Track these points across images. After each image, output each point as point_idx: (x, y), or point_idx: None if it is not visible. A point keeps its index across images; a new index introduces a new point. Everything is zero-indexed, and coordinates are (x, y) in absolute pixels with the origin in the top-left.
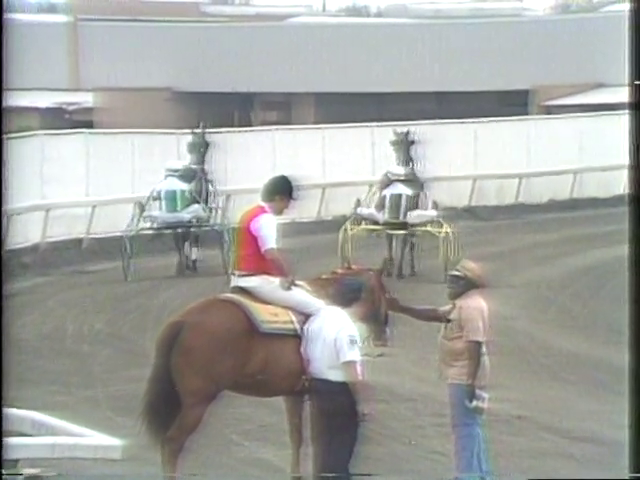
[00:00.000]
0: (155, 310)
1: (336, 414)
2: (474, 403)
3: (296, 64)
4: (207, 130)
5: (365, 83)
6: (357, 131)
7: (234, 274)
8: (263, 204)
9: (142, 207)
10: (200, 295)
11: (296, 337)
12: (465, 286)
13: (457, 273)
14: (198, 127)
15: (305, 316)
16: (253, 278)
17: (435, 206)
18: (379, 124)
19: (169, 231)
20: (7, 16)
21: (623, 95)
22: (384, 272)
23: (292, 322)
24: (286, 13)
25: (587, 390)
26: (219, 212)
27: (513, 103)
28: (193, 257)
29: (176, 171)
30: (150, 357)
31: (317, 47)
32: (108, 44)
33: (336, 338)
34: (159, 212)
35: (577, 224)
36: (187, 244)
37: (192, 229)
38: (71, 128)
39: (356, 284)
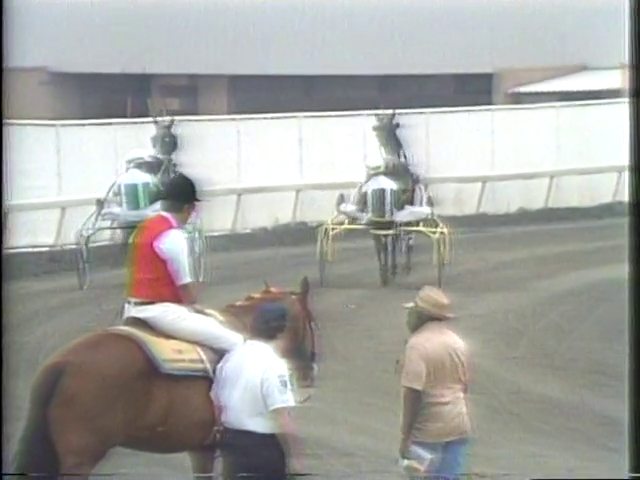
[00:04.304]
0: (30, 348)
1: (258, 472)
2: (405, 462)
3: (204, 40)
4: (93, 121)
5: (290, 64)
6: (281, 123)
7: (128, 302)
8: (167, 215)
9: (101, 204)
10: (88, 327)
11: (206, 379)
12: (419, 319)
13: (410, 305)
14: (159, 114)
15: (217, 353)
16: (152, 307)
17: (430, 202)
18: (308, 114)
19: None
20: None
21: (612, 80)
22: (308, 294)
23: (201, 360)
24: None
25: (565, 443)
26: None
27: (473, 90)
28: None
29: (137, 161)
30: (23, 408)
31: (230, 19)
32: None
33: (263, 380)
34: (120, 209)
35: (553, 240)
36: None
37: None
38: None
39: (279, 311)
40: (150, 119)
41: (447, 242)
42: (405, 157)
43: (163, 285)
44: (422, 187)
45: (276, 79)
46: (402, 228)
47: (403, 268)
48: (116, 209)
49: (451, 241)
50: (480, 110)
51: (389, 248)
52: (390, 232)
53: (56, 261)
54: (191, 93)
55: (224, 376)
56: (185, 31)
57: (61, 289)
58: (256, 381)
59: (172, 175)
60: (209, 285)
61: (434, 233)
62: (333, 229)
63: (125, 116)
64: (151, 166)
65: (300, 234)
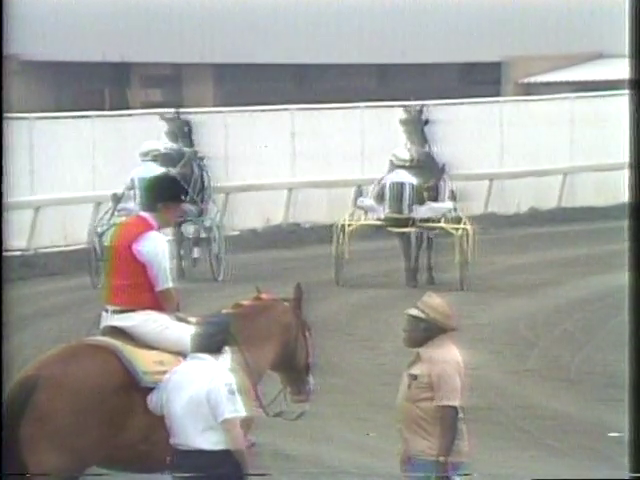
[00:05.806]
0: (1, 361)
1: None
2: None
3: (188, 26)
4: (68, 114)
5: (281, 52)
6: (272, 116)
7: (106, 310)
8: (145, 215)
9: (117, 199)
10: (64, 337)
11: None
12: (429, 331)
13: (416, 313)
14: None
15: None
16: (132, 315)
17: (452, 197)
18: (301, 106)
19: None
20: None
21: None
22: (302, 302)
23: None
24: None
25: (580, 462)
26: (212, 206)
27: (480, 80)
28: (195, 255)
29: (153, 153)
30: None
31: (218, 4)
32: None
33: (209, 391)
34: (134, 204)
35: (567, 242)
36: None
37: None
38: None
39: (224, 324)
40: (129, 111)
41: (470, 240)
42: (432, 152)
43: (143, 291)
44: (446, 181)
45: (266, 68)
46: (421, 225)
47: (427, 269)
48: (130, 204)
49: (475, 239)
50: (488, 102)
51: (411, 247)
52: (406, 230)
53: (29, 266)
54: (174, 83)
55: (170, 388)
56: (168, 16)
57: (36, 296)
58: (201, 393)
59: (196, 168)
60: (196, 291)
61: (457, 230)
62: (349, 225)
63: (103, 108)
64: (169, 158)
65: (293, 236)
